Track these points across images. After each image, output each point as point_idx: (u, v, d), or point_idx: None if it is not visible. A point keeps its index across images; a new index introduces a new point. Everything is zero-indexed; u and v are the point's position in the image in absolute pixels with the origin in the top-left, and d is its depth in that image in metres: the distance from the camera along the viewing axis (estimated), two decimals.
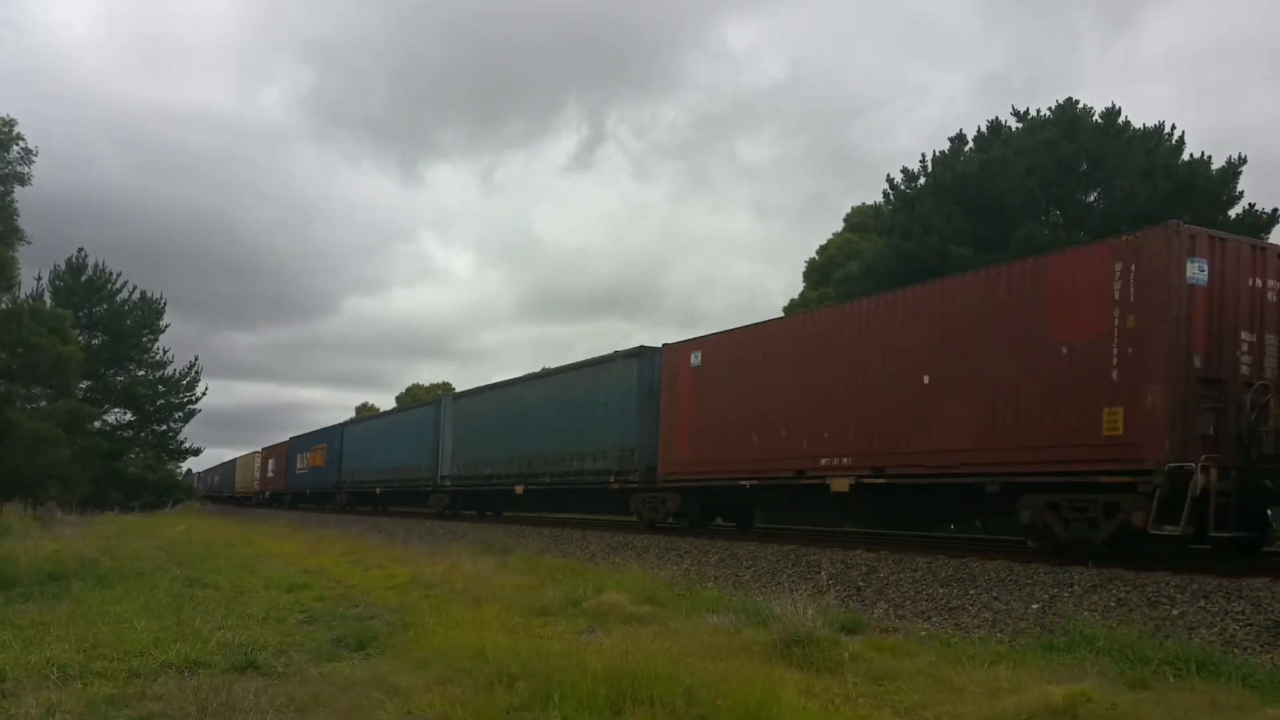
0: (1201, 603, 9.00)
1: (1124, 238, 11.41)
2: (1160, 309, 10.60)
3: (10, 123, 28.47)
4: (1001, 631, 9.47)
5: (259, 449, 61.91)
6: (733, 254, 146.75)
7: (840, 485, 14.62)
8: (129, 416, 56.80)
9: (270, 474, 56.41)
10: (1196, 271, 10.75)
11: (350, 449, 40.88)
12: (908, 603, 11.10)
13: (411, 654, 8.11)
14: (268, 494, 56.70)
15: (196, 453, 64.13)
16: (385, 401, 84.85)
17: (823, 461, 14.96)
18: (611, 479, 20.96)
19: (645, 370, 20.27)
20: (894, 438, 13.80)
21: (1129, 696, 6.33)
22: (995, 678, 7.02)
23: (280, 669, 7.53)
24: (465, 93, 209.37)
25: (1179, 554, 11.10)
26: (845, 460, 14.58)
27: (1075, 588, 10.13)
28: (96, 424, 49.31)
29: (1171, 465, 10.21)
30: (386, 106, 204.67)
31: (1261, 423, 10.71)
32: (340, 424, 45.76)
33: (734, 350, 17.62)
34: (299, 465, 49.39)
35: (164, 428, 59.24)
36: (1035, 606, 9.92)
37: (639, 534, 19.26)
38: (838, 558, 13.54)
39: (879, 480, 14.05)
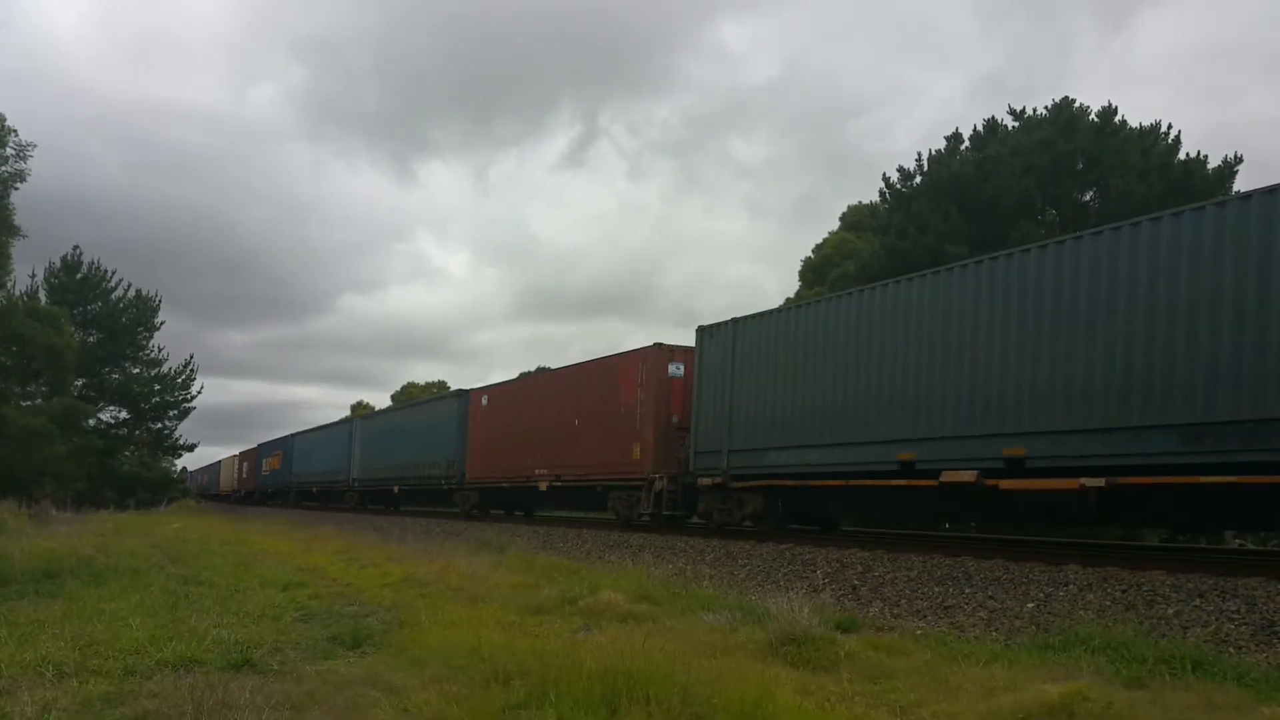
0: (1196, 602, 9.03)
1: (642, 349, 20.46)
2: (655, 390, 19.79)
3: (1, 118, 28.42)
4: (997, 630, 9.49)
5: (237, 452, 69.52)
6: (728, 253, 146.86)
7: (543, 485, 23.73)
8: (124, 414, 56.73)
9: (244, 475, 63.43)
10: (675, 370, 19.87)
11: (298, 455, 49.48)
12: (903, 601, 11.11)
13: (407, 652, 8.11)
14: (243, 492, 63.17)
15: (191, 449, 64.05)
16: (380, 400, 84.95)
17: (536, 471, 24.07)
18: (443, 482, 30.03)
19: (462, 407, 29.28)
20: (564, 457, 22.87)
21: (1125, 695, 6.34)
22: (991, 676, 7.03)
23: (276, 667, 7.52)
24: (459, 90, 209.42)
25: (669, 524, 19.63)
26: (545, 471, 23.66)
27: (1070, 586, 10.15)
28: (91, 422, 49.28)
29: (652, 475, 19.31)
30: (380, 104, 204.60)
31: (684, 450, 18.76)
32: (292, 434, 53.33)
33: (498, 398, 27.58)
34: (263, 468, 56.86)
35: (159, 425, 59.14)
36: (1030, 605, 9.94)
37: (634, 533, 19.28)
38: (833, 556, 13.55)
39: (558, 483, 23.18)
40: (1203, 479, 10.13)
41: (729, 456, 17.22)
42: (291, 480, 49.83)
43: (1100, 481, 11.09)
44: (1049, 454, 11.75)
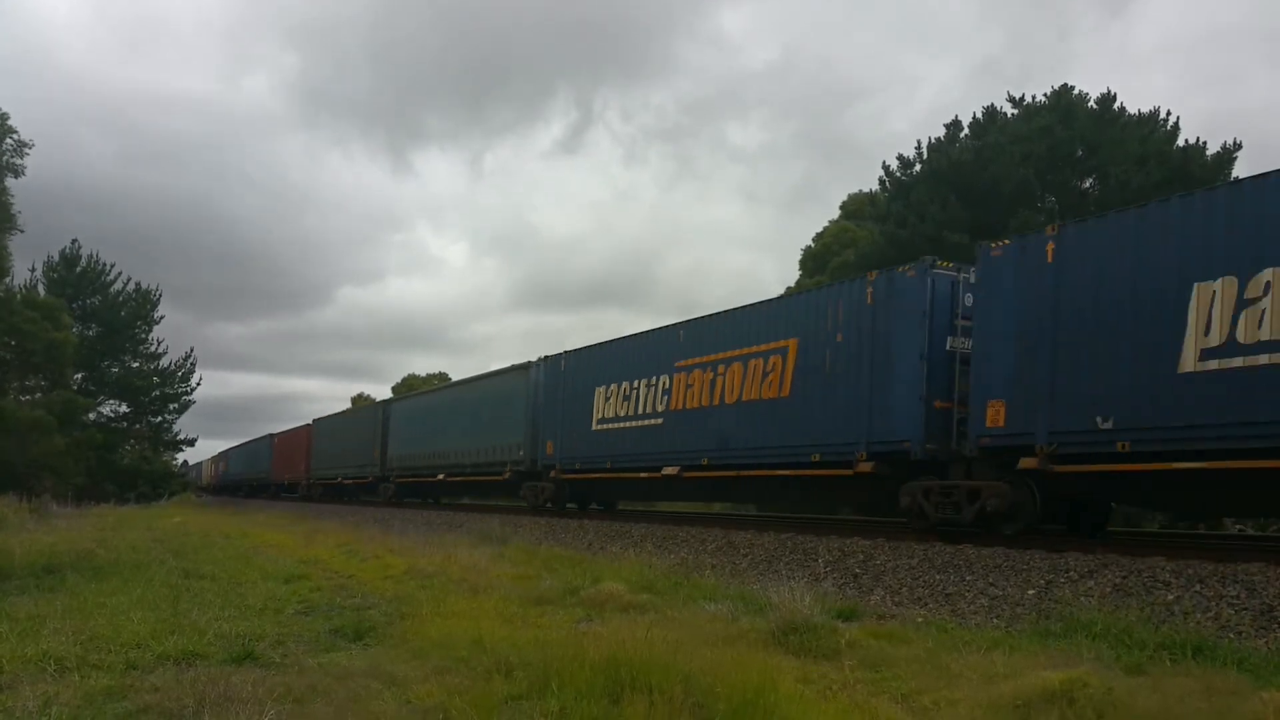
0: (1197, 588, 9.04)
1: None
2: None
3: (3, 116, 28.34)
4: (998, 617, 9.50)
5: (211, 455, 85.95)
6: (725, 241, 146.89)
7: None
8: (124, 408, 56.76)
9: (219, 470, 79.23)
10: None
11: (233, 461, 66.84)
12: (904, 589, 11.13)
13: (409, 644, 8.12)
14: (215, 485, 78.67)
15: (191, 443, 64.12)
16: (381, 391, 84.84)
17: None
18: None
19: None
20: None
21: (1125, 681, 6.34)
22: (992, 663, 7.04)
23: (278, 660, 7.53)
24: (454, 77, 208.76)
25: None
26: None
27: (1071, 573, 10.16)
28: (91, 416, 49.27)
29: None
30: (374, 91, 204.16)
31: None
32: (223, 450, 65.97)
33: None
34: (228, 467, 74.52)
35: (159, 419, 59.18)
36: (1031, 592, 9.95)
37: (636, 523, 19.29)
38: (834, 545, 13.57)
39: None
40: None
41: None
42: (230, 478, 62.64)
43: None
44: None
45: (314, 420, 47.86)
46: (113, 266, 55.58)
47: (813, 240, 42.00)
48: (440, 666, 7.03)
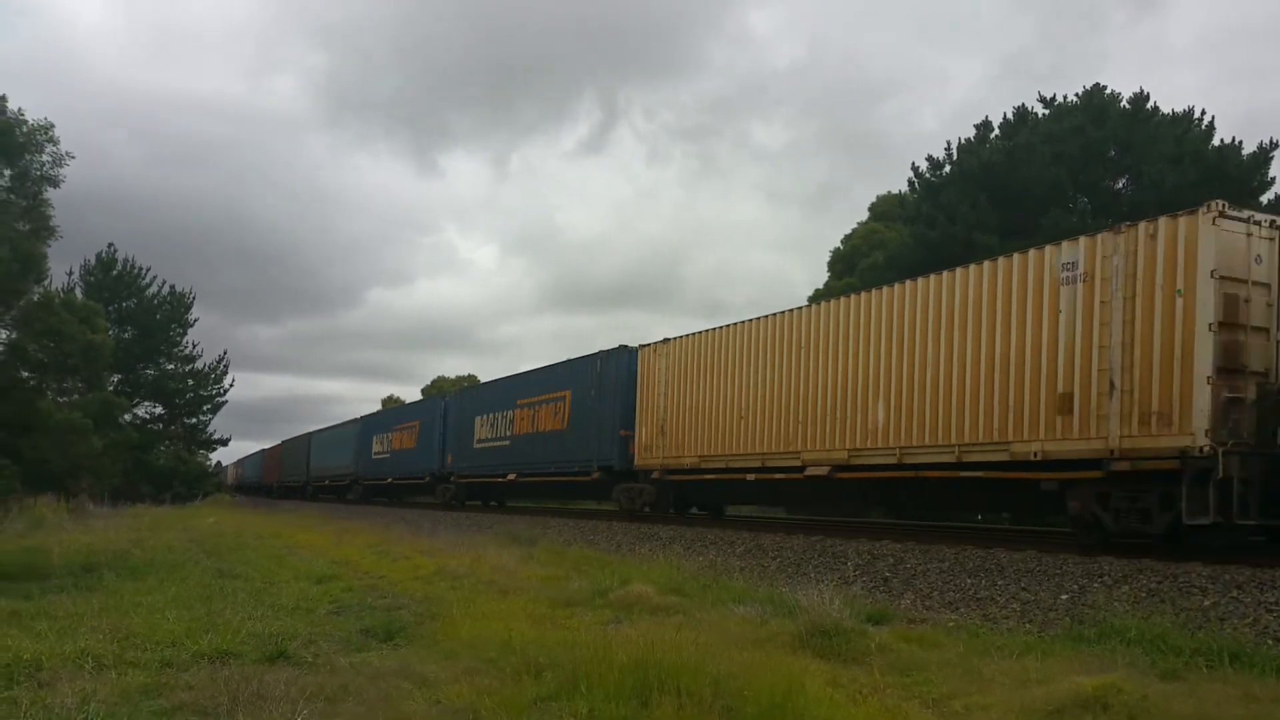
0: (1234, 593, 8.91)
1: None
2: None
3: (48, 127, 28.72)
4: (1030, 622, 9.42)
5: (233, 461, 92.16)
6: (752, 241, 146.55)
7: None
8: (159, 409, 57.39)
9: (240, 474, 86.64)
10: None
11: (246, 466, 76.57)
12: (935, 593, 11.05)
13: (439, 644, 8.17)
14: (236, 485, 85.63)
15: (225, 443, 64.80)
16: (410, 394, 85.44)
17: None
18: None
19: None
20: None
21: (1160, 688, 6.27)
22: (1024, 668, 6.98)
23: (310, 659, 7.60)
24: (480, 77, 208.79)
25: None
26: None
27: (1105, 578, 10.05)
28: (127, 417, 49.85)
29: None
30: (400, 91, 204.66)
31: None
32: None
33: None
34: (244, 472, 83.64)
35: (193, 420, 59.82)
36: (1065, 597, 9.86)
37: (665, 525, 19.29)
38: (864, 548, 13.51)
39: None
40: None
41: None
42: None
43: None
44: None
45: (283, 441, 64.27)
46: (148, 270, 56.28)
47: (841, 242, 41.82)
48: (470, 667, 7.06)
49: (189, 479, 58.98)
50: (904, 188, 34.69)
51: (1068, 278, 12.00)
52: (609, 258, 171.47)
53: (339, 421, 51.44)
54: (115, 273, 54.89)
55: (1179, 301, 10.65)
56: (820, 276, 42.64)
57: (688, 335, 20.15)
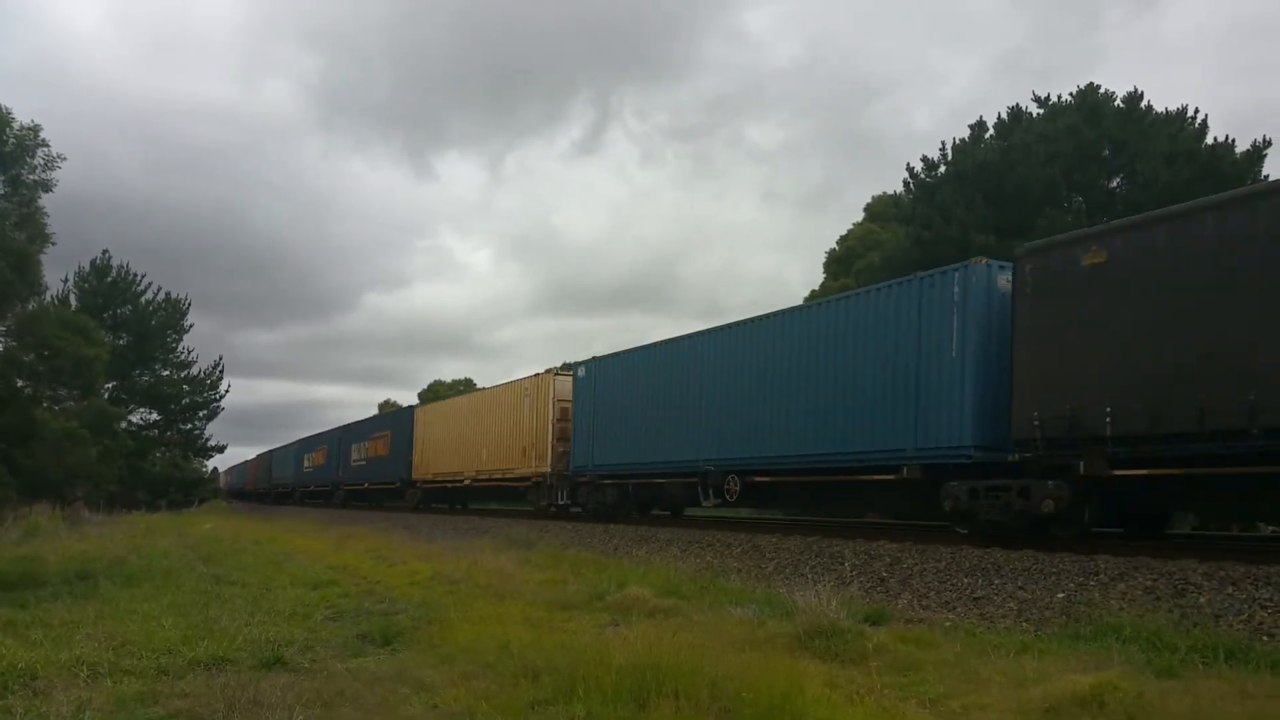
0: (1229, 590, 8.93)
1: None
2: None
3: (36, 129, 28.70)
4: (1027, 621, 9.43)
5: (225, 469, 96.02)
6: (750, 242, 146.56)
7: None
8: (154, 416, 57.41)
9: (230, 480, 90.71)
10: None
11: (234, 474, 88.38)
12: (932, 593, 11.06)
13: (436, 649, 8.16)
14: (228, 491, 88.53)
15: (221, 449, 64.81)
16: (408, 398, 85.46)
17: None
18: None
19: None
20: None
21: (1156, 685, 6.28)
22: (1021, 667, 6.98)
23: (307, 665, 7.59)
24: (475, 78, 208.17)
25: None
26: None
27: (1101, 576, 10.07)
28: (122, 424, 49.80)
29: None
30: (395, 93, 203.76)
31: None
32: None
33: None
34: (233, 479, 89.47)
35: (189, 426, 59.82)
36: (1061, 596, 9.87)
37: (663, 527, 19.28)
38: (861, 549, 13.52)
39: None
40: None
41: None
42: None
43: None
44: None
45: (258, 454, 77.00)
46: (143, 276, 56.30)
47: (837, 243, 41.87)
48: (467, 671, 7.06)
49: (185, 485, 59.02)
50: (900, 188, 34.76)
51: (527, 395, 27.11)
52: (606, 260, 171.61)
53: (293, 440, 63.43)
54: (110, 279, 54.90)
55: (548, 410, 25.81)
56: (816, 277, 42.71)
57: (443, 401, 39.28)
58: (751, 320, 18.27)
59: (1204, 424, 10.27)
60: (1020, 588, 10.43)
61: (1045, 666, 6.95)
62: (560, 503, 25.23)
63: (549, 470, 25.40)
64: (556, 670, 6.62)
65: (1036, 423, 12.10)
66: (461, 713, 5.98)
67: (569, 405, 24.66)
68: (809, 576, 12.10)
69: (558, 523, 23.20)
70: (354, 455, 43.95)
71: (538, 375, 26.61)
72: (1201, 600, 8.90)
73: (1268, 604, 8.48)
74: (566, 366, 26.58)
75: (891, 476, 14.55)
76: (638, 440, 21.18)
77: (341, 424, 49.16)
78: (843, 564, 12.96)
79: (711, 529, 18.08)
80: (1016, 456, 12.64)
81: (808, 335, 16.62)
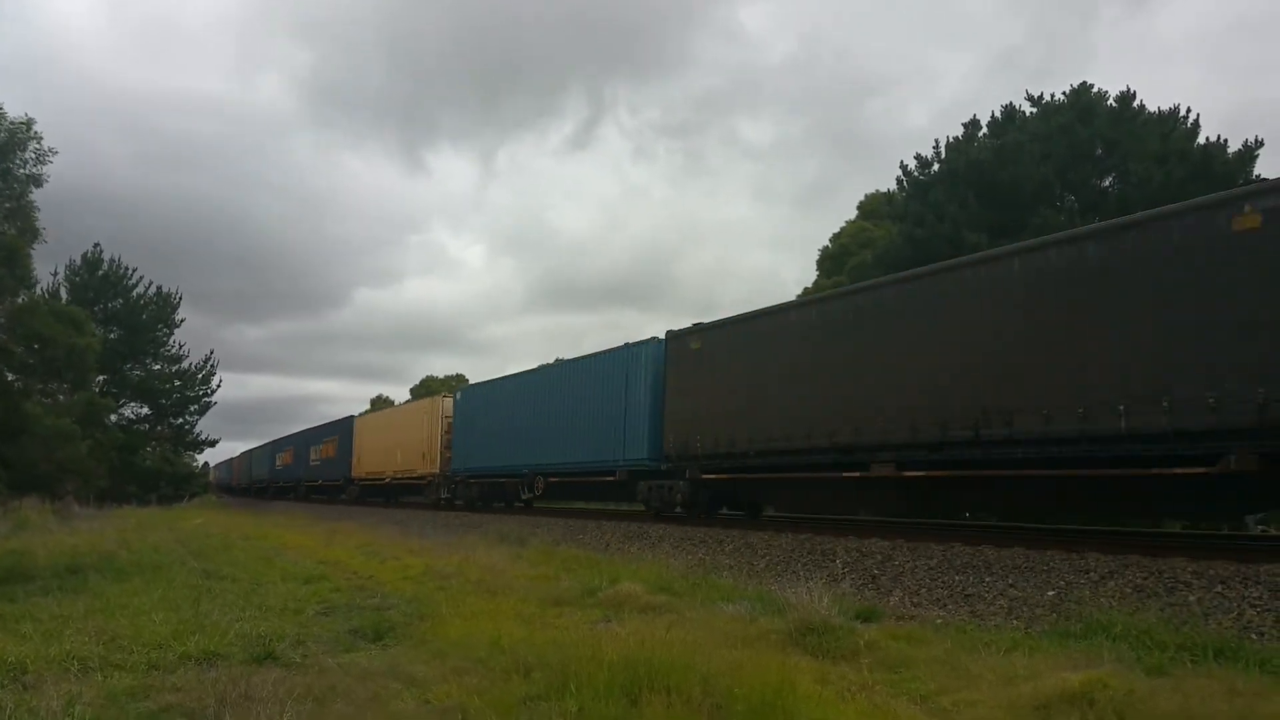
0: (1219, 589, 8.97)
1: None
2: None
3: (29, 123, 28.57)
4: (1017, 618, 9.46)
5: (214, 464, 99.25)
6: (743, 239, 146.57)
7: None
8: (145, 410, 57.22)
9: (219, 476, 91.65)
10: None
11: (221, 470, 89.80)
12: (923, 590, 11.09)
13: (428, 644, 8.16)
14: (215, 485, 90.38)
15: (213, 444, 64.63)
16: (399, 394, 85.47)
17: None
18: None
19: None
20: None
21: (1146, 683, 6.30)
22: (1011, 665, 7.01)
23: (298, 660, 7.58)
24: (468, 72, 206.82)
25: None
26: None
27: (1091, 574, 10.10)
28: (113, 418, 49.68)
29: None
30: (387, 87, 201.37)
31: None
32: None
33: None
34: (220, 474, 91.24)
35: (180, 421, 59.63)
36: (1051, 593, 9.90)
37: (653, 524, 19.31)
38: (852, 546, 13.54)
39: None
40: None
41: None
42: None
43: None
44: None
45: (242, 452, 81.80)
46: (134, 270, 56.09)
47: (830, 241, 41.91)
48: (459, 667, 7.06)
49: (175, 480, 58.89)
50: (894, 185, 34.80)
51: (426, 413, 34.43)
52: (599, 256, 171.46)
53: (268, 441, 68.96)
54: (101, 273, 54.72)
55: (438, 425, 33.04)
56: (810, 275, 42.74)
57: (375, 413, 48.39)
58: (540, 368, 28.00)
59: (749, 447, 17.09)
60: (1011, 585, 10.46)
61: (1035, 664, 6.97)
62: (444, 496, 32.25)
63: (438, 471, 32.79)
64: (548, 666, 6.62)
65: (671, 446, 19.51)
66: (453, 708, 5.97)
67: (452, 421, 32.22)
68: (800, 574, 12.12)
69: (549, 519, 23.22)
70: (312, 456, 50.24)
71: (433, 398, 36.47)
72: (1191, 598, 8.94)
73: (1257, 602, 8.52)
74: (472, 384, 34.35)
75: (612, 477, 22.04)
76: (489, 450, 28.75)
77: (304, 428, 55.91)
78: (834, 561, 12.98)
79: (703, 526, 18.10)
80: (665, 466, 19.95)
81: (569, 382, 24.53)
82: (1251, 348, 9.83)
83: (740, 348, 17.96)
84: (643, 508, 21.47)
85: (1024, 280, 12.47)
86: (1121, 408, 10.94)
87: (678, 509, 20.06)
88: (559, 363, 25.23)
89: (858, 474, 14.66)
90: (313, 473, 49.88)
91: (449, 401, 32.96)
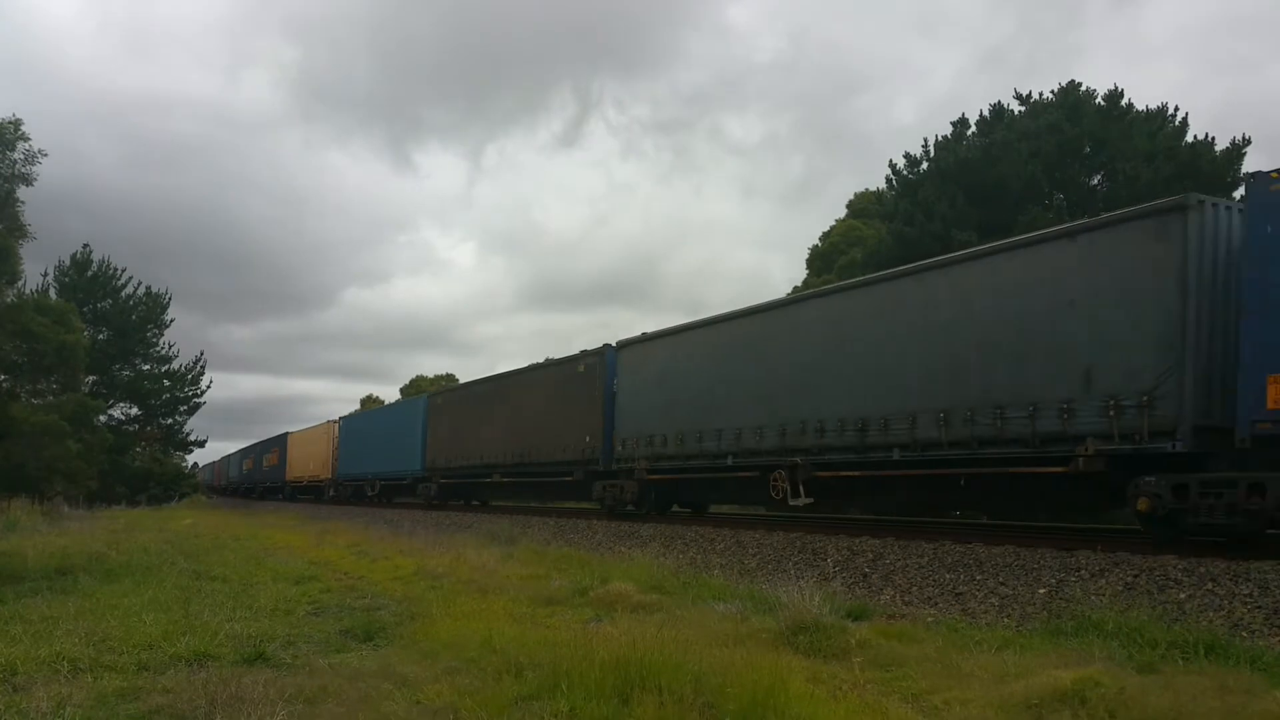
0: (1209, 586, 9.00)
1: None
2: None
3: (17, 123, 28.42)
4: (1009, 616, 9.48)
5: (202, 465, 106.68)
6: (732, 238, 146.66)
7: None
8: (134, 411, 56.90)
9: (204, 477, 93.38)
10: None
11: (206, 472, 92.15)
12: (914, 589, 11.10)
13: (419, 645, 8.14)
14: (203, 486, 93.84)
15: (201, 444, 64.33)
16: (389, 394, 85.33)
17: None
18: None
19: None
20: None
21: (1137, 680, 6.32)
22: (1003, 663, 7.02)
23: (289, 660, 7.56)
24: (455, 68, 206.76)
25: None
26: None
27: (1082, 572, 10.13)
28: (102, 418, 49.38)
29: None
30: (374, 84, 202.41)
31: None
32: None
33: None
34: (205, 475, 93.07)
35: (169, 422, 59.33)
36: (1042, 591, 9.92)
37: (645, 523, 19.30)
38: (844, 545, 13.55)
39: None
40: None
41: None
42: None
43: None
44: None
45: (222, 456, 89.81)
46: (123, 271, 55.78)
47: (819, 240, 41.95)
48: (450, 667, 7.04)
49: (165, 480, 58.59)
50: (883, 183, 34.84)
51: (326, 432, 47.00)
52: (587, 255, 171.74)
53: (236, 450, 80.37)
54: (90, 273, 54.38)
55: (330, 441, 45.91)
56: (799, 273, 42.79)
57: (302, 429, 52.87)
58: (403, 401, 42.58)
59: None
60: (1002, 583, 10.48)
61: (1027, 662, 6.99)
62: (332, 494, 44.32)
63: (331, 476, 44.50)
64: (540, 666, 6.61)
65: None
66: (445, 709, 5.96)
67: (339, 439, 44.02)
68: (792, 572, 12.13)
69: (540, 518, 23.19)
70: (264, 463, 61.29)
71: (327, 422, 46.78)
72: (1182, 596, 8.97)
73: (1247, 600, 8.55)
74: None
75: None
76: (361, 461, 40.09)
77: (265, 438, 65.56)
78: (825, 560, 13.00)
79: (694, 525, 18.10)
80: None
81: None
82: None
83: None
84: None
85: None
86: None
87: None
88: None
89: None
90: (265, 476, 61.14)
91: (337, 426, 45.27)
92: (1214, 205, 10.64)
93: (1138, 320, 10.67)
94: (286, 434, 55.12)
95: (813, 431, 15.17)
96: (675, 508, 22.16)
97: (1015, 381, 11.98)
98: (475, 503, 32.03)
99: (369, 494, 38.74)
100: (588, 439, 22.23)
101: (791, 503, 15.82)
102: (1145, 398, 10.46)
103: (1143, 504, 10.67)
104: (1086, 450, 11.03)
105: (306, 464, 49.16)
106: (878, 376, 14.02)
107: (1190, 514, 10.27)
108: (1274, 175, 9.86)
